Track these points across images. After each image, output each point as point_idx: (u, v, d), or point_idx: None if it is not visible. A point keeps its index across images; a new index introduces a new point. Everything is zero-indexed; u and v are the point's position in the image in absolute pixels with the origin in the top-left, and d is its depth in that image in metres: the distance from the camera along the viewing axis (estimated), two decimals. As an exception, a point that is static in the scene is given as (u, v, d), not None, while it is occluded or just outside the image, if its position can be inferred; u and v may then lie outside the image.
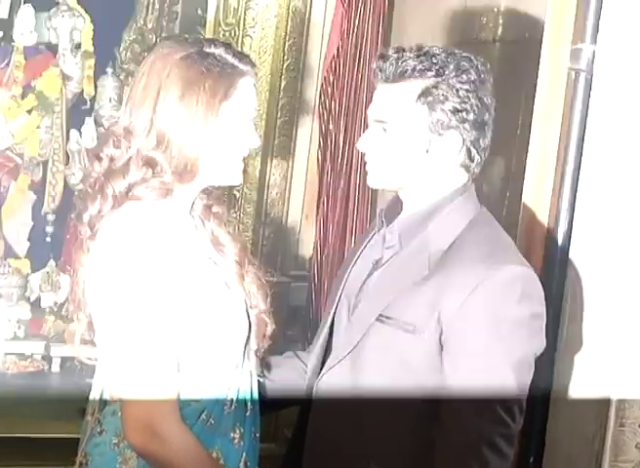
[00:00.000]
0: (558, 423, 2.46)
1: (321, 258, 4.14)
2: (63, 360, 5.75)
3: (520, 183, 2.62)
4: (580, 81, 2.48)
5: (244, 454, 1.99)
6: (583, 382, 2.38)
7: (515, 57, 3.37)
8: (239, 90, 1.93)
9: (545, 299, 1.98)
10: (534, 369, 1.95)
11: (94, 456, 1.96)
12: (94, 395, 2.08)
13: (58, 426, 4.71)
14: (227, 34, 4.75)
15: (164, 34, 6.42)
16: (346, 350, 2.03)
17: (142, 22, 6.47)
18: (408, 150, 2.00)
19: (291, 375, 2.29)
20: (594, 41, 2.46)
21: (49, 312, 5.96)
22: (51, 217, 5.87)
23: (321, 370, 2.10)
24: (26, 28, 6.12)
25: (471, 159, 2.03)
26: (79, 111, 6.20)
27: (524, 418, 1.95)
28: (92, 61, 6.29)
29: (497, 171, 2.94)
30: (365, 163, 2.09)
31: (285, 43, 4.59)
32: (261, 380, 2.10)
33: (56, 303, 5.96)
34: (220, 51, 1.95)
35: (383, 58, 2.05)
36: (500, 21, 3.61)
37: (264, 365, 2.14)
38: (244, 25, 4.67)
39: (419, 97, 1.97)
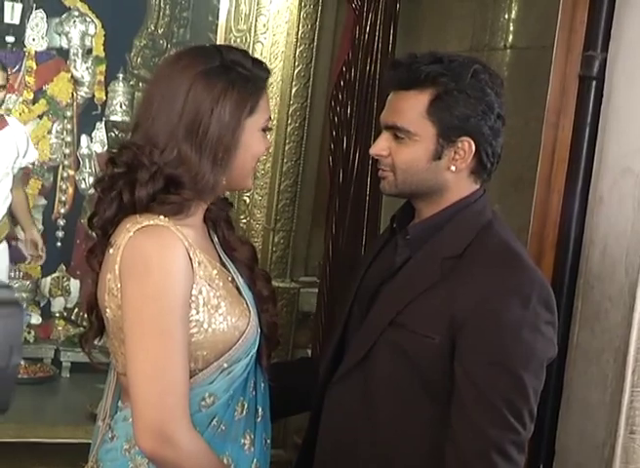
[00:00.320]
0: (568, 430, 2.46)
1: (331, 265, 4.13)
2: (74, 365, 5.78)
3: (531, 189, 2.62)
4: (590, 88, 2.48)
5: (255, 460, 2.00)
6: (593, 389, 2.37)
7: (526, 63, 3.37)
8: (260, 104, 1.94)
9: (557, 305, 1.98)
10: (545, 375, 1.95)
11: (105, 462, 1.97)
12: (105, 400, 2.09)
13: (67, 431, 4.73)
14: (238, 40, 4.74)
15: (175, 40, 6.46)
16: (359, 355, 2.03)
17: (153, 28, 6.50)
18: (420, 156, 2.00)
19: (301, 381, 2.29)
20: (605, 48, 2.46)
21: (59, 317, 5.99)
22: (61, 222, 5.90)
23: (332, 374, 2.10)
24: (38, 34, 6.15)
25: (483, 166, 2.03)
26: (90, 116, 6.24)
27: (534, 425, 1.95)
28: (103, 67, 6.33)
29: (508, 177, 2.94)
30: (377, 169, 2.10)
31: (296, 49, 4.59)
32: (272, 386, 2.10)
33: (66, 308, 5.99)
34: (239, 58, 1.94)
35: (396, 64, 2.06)
36: (512, 28, 3.61)
37: (275, 370, 2.14)
38: (255, 31, 4.66)
39: (431, 103, 1.97)
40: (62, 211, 5.92)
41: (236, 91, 1.89)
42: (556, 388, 2.46)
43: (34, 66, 5.86)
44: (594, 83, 2.47)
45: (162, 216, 1.87)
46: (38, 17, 6.20)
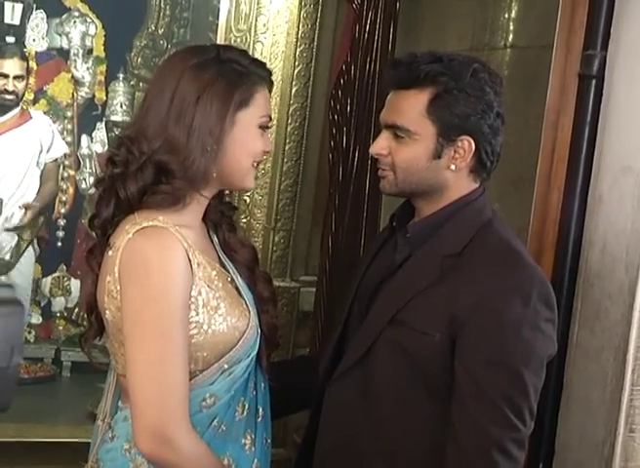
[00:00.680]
0: (568, 428, 2.46)
1: (331, 264, 4.13)
2: (74, 364, 5.78)
3: (531, 188, 2.62)
4: (590, 87, 2.48)
5: (255, 460, 2.00)
6: (593, 387, 2.37)
7: (526, 62, 3.37)
8: (256, 98, 1.93)
9: (557, 303, 1.98)
10: (545, 373, 1.95)
11: (105, 462, 1.97)
12: (105, 401, 2.09)
13: (68, 431, 4.73)
14: (239, 40, 4.74)
15: (175, 40, 6.46)
16: (359, 353, 2.03)
17: (154, 28, 6.50)
18: (420, 155, 2.00)
19: (301, 379, 2.29)
20: (605, 47, 2.46)
21: (59, 317, 5.98)
22: (62, 222, 5.89)
23: (332, 372, 2.10)
24: (38, 34, 6.15)
25: (482, 164, 2.03)
26: (90, 116, 6.24)
27: (534, 423, 1.95)
28: (103, 67, 6.34)
29: (507, 175, 2.94)
30: (376, 168, 2.10)
31: (296, 49, 4.59)
32: (272, 385, 2.10)
33: (66, 308, 5.98)
34: (235, 56, 1.95)
35: (396, 64, 2.06)
36: (512, 28, 3.61)
37: (275, 368, 2.14)
38: (255, 31, 4.66)
39: (430, 102, 1.98)
40: (63, 211, 5.90)
41: (225, 81, 1.89)
42: (556, 386, 2.46)
43: (35, 67, 5.85)
44: (594, 82, 2.47)
45: (160, 217, 1.87)
46: (38, 17, 6.21)
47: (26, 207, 4.73)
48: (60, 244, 5.93)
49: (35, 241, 5.31)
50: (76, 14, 6.29)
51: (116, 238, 1.88)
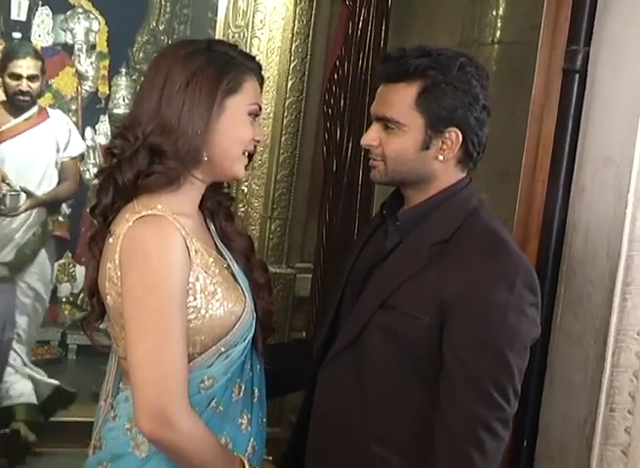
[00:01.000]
0: (551, 408, 2.47)
1: (326, 251, 4.13)
2: (79, 347, 5.80)
3: (517, 179, 2.62)
4: (574, 81, 2.48)
5: (251, 439, 2.00)
6: (575, 369, 2.38)
7: (513, 58, 3.37)
8: (245, 86, 1.93)
9: (540, 288, 1.99)
10: (529, 355, 1.95)
11: (107, 440, 1.97)
12: (107, 382, 2.09)
13: (73, 410, 4.74)
14: (236, 36, 4.75)
15: (175, 36, 6.46)
16: (351, 336, 2.03)
17: (155, 24, 6.50)
18: (409, 146, 2.00)
19: (296, 361, 2.29)
20: (588, 43, 2.46)
21: (65, 302, 6.00)
22: (67, 211, 5.88)
23: (325, 355, 2.10)
24: (44, 30, 6.14)
25: (469, 155, 2.03)
26: (94, 109, 6.25)
27: (519, 403, 1.95)
28: (106, 62, 6.35)
29: (493, 166, 2.94)
30: (368, 159, 2.10)
31: (292, 44, 4.60)
32: (268, 367, 2.10)
33: (72, 293, 5.98)
34: (225, 49, 1.95)
35: (386, 58, 2.06)
36: (499, 24, 3.61)
37: (271, 351, 2.14)
38: (252, 27, 4.67)
39: (419, 95, 1.97)
40: (69, 200, 5.90)
41: (213, 68, 1.89)
42: (540, 369, 2.47)
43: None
44: (577, 76, 2.47)
45: (159, 206, 1.87)
46: (44, 13, 6.21)
47: (26, 191, 4.51)
48: (65, 232, 5.94)
49: (53, 240, 4.95)
50: (80, 10, 6.30)
51: (116, 226, 1.88)
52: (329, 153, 4.12)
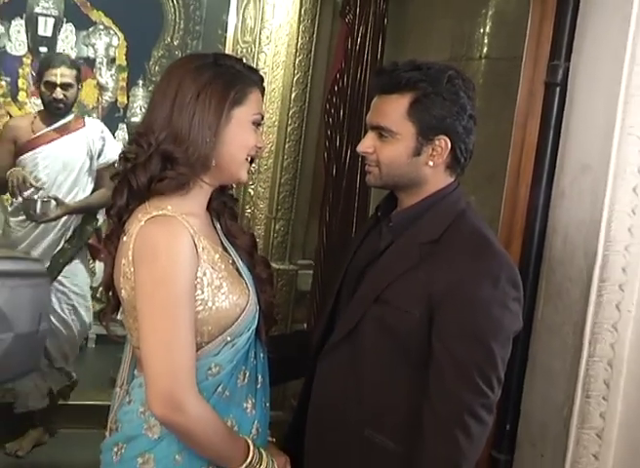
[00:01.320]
0: (532, 394, 2.46)
1: (325, 249, 4.13)
2: (99, 337, 5.79)
3: (502, 183, 2.62)
4: (555, 94, 2.47)
5: (255, 422, 2.00)
6: (555, 358, 2.37)
7: (499, 72, 3.37)
8: (250, 97, 1.93)
9: (523, 285, 1.98)
10: (511, 345, 1.95)
11: (123, 423, 1.97)
12: (122, 369, 2.09)
13: (93, 395, 4.74)
14: (244, 51, 4.75)
15: (188, 50, 6.47)
16: (347, 328, 2.03)
17: (169, 40, 6.51)
18: (402, 153, 2.00)
19: (297, 351, 2.29)
20: (568, 58, 2.45)
21: (85, 295, 5.97)
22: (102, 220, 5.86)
23: (324, 345, 2.10)
24: (68, 45, 6.15)
25: (457, 161, 2.03)
26: (113, 118, 6.26)
27: (502, 389, 1.95)
28: (125, 74, 6.36)
29: (481, 172, 2.94)
30: (364, 164, 2.09)
31: (295, 59, 4.60)
32: (271, 356, 2.10)
33: (91, 287, 5.95)
34: (232, 62, 1.95)
35: (380, 72, 2.06)
36: (486, 41, 3.61)
37: (274, 342, 2.13)
38: (259, 43, 4.68)
39: (411, 105, 1.97)
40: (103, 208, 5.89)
41: (222, 81, 1.89)
42: (522, 357, 2.46)
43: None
44: (558, 89, 2.46)
45: (169, 207, 1.87)
46: (68, 30, 6.23)
47: (56, 199, 4.34)
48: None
49: (87, 249, 4.63)
50: (101, 27, 6.32)
51: (130, 225, 1.88)
52: (329, 159, 4.12)
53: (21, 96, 6.19)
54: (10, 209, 4.62)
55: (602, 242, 2.25)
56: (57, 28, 6.16)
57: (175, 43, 6.51)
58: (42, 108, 4.54)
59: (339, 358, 2.05)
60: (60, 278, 4.38)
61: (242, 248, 2.07)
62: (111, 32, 6.33)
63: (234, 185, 2.16)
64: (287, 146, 4.65)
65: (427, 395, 1.92)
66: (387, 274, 2.00)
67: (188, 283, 1.83)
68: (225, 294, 1.89)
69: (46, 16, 6.09)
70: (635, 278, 2.23)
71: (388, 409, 2.00)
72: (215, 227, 2.04)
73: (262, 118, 2.00)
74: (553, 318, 2.41)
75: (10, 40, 6.15)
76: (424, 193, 2.04)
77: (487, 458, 2.53)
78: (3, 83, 6.14)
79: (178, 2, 6.51)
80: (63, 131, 4.44)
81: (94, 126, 4.61)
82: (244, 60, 2.04)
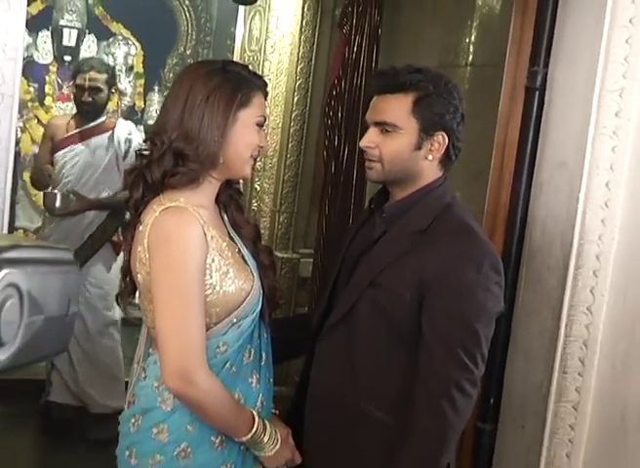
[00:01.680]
0: (514, 371, 2.46)
1: (325, 239, 4.13)
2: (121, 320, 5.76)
3: (486, 178, 2.61)
4: (534, 97, 2.47)
5: (260, 395, 1.99)
6: (534, 338, 2.37)
7: (483, 78, 3.36)
8: (254, 101, 1.92)
9: (505, 272, 1.98)
10: (494, 326, 1.94)
11: (139, 397, 1.97)
12: (139, 348, 2.09)
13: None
14: (251, 59, 4.76)
15: (200, 58, 6.46)
16: (344, 310, 2.02)
17: (183, 49, 6.51)
18: (405, 147, 1.99)
19: (298, 332, 2.28)
20: (546, 65, 2.45)
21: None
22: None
23: (323, 326, 2.09)
24: (90, 54, 6.14)
25: (449, 157, 2.03)
26: (131, 121, 6.21)
27: (486, 367, 1.94)
28: (142, 81, 6.35)
29: (468, 168, 2.93)
30: (362, 162, 2.08)
31: (297, 66, 4.60)
32: (274, 337, 2.09)
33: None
34: (238, 69, 1.95)
35: (381, 73, 2.06)
36: (471, 49, 3.60)
37: (277, 324, 2.13)
38: (264, 52, 4.69)
39: (414, 103, 1.96)
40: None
41: (229, 85, 1.88)
42: (504, 338, 2.46)
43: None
44: (537, 93, 2.46)
45: (182, 199, 1.86)
46: (90, 40, 6.22)
47: (74, 193, 4.27)
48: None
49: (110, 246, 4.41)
50: (120, 37, 6.31)
51: (146, 215, 1.87)
52: (328, 157, 4.12)
53: (48, 100, 6.20)
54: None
55: (577, 232, 2.25)
56: (80, 39, 6.16)
57: (187, 52, 6.50)
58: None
59: (336, 338, 2.04)
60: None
61: (247, 237, 2.06)
62: (129, 42, 6.33)
63: (242, 181, 2.15)
64: (290, 146, 4.66)
65: (418, 371, 1.91)
66: (381, 260, 1.99)
67: (198, 268, 1.82)
68: (232, 279, 1.88)
69: (70, 28, 6.09)
70: (608, 265, 2.23)
71: (382, 384, 2.00)
72: (222, 218, 2.03)
73: (265, 120, 1.99)
74: (533, 302, 2.40)
75: (37, 50, 6.15)
76: (416, 186, 2.03)
77: (473, 429, 2.53)
78: (31, 89, 6.13)
79: (190, 15, 6.50)
80: (94, 132, 4.35)
81: (123, 128, 4.46)
82: (250, 67, 2.03)
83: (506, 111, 2.56)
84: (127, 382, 2.12)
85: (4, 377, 3.52)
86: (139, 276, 1.89)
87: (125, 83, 6.29)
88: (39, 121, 6.13)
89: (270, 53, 4.66)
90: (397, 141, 1.99)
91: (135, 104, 6.34)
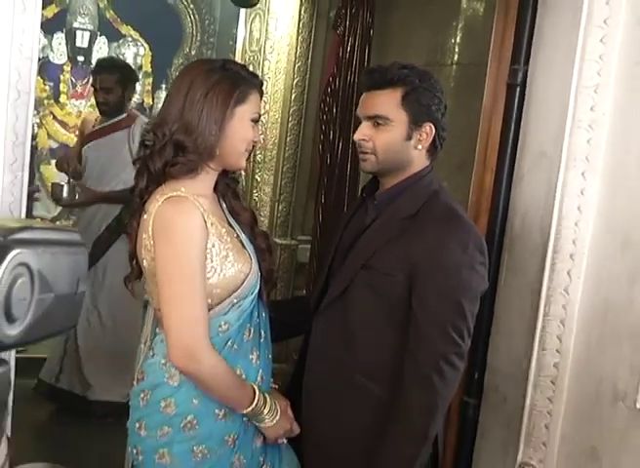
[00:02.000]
0: (497, 348, 2.45)
1: (321, 227, 4.13)
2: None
3: (471, 169, 2.60)
4: (515, 93, 2.45)
5: (260, 371, 1.99)
6: (516, 317, 2.37)
7: (468, 76, 3.36)
8: (250, 98, 1.92)
9: (489, 256, 1.98)
10: (479, 305, 1.94)
11: (148, 373, 1.96)
12: (145, 328, 2.08)
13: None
14: (251, 58, 4.75)
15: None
16: (339, 289, 2.02)
17: (188, 50, 6.49)
18: (397, 138, 1.98)
19: (297, 313, 2.28)
20: (527, 63, 2.43)
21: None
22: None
23: (319, 306, 2.09)
24: (101, 55, 6.11)
25: (435, 146, 2.03)
26: (140, 117, 6.20)
27: (472, 344, 1.95)
28: (150, 79, 6.33)
29: (453, 159, 2.93)
30: (356, 155, 2.08)
31: (295, 65, 4.60)
32: (274, 316, 2.08)
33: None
34: (237, 68, 1.94)
35: (371, 71, 2.05)
36: (457, 49, 3.60)
37: (277, 305, 2.13)
38: (264, 52, 4.68)
39: (403, 97, 1.96)
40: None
41: (228, 82, 1.87)
42: (488, 316, 2.45)
43: (98, 79, 5.80)
44: (518, 89, 2.44)
45: (183, 189, 1.86)
46: (101, 41, 6.19)
47: (80, 186, 4.11)
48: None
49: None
50: (130, 39, 6.29)
51: (150, 204, 1.87)
52: (324, 150, 4.12)
53: (62, 98, 6.17)
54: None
55: (555, 218, 2.24)
56: (92, 40, 6.14)
57: (192, 52, 6.47)
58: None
59: (332, 315, 2.04)
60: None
61: (244, 223, 2.05)
62: (138, 43, 6.30)
63: (242, 172, 2.13)
64: (288, 140, 4.66)
65: (408, 348, 1.91)
66: (373, 244, 1.99)
67: (200, 253, 1.82)
68: (231, 263, 1.88)
69: (83, 30, 6.07)
70: (584, 249, 2.22)
71: (375, 359, 1.99)
72: (221, 206, 2.03)
73: (260, 116, 1.98)
74: (514, 284, 2.40)
75: (52, 51, 6.12)
76: (405, 175, 2.02)
77: (459, 402, 2.53)
78: (47, 87, 6.10)
79: (195, 17, 6.47)
80: (113, 128, 4.29)
81: (139, 124, 4.26)
82: (248, 67, 2.03)
83: (489, 106, 2.54)
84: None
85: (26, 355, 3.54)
86: (144, 261, 1.88)
87: (134, 82, 6.27)
88: (54, 117, 6.11)
89: (270, 53, 4.65)
90: (389, 133, 1.98)
91: (143, 102, 6.31)
